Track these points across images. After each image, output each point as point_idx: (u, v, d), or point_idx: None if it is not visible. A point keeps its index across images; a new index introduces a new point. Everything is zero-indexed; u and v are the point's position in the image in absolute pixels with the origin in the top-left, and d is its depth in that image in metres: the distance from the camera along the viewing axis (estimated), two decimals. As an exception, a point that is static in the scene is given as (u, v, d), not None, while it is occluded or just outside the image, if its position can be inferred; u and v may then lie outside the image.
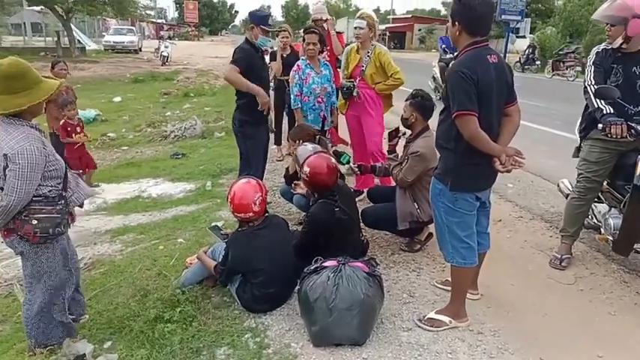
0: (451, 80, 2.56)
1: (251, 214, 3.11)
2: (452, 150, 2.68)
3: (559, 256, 3.76)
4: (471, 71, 2.48)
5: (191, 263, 3.50)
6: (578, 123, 3.91)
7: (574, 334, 2.94)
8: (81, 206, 2.81)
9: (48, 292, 2.65)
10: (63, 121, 4.70)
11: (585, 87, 3.49)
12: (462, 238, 2.77)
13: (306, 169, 3.42)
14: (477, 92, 2.49)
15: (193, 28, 58.25)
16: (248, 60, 4.16)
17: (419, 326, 2.94)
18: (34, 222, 2.44)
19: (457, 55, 2.71)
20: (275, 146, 6.78)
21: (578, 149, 3.79)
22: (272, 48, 6.29)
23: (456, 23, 2.60)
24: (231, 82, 4.25)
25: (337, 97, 5.19)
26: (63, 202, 2.57)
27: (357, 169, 4.17)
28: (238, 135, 4.49)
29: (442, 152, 2.81)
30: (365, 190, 4.85)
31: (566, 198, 3.98)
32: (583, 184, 3.66)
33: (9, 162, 2.33)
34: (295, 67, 4.93)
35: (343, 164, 4.16)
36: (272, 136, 5.53)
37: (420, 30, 54.37)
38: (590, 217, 3.99)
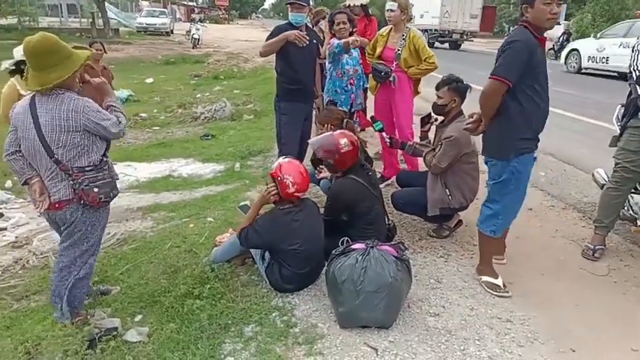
0: None
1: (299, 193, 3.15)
2: None
3: (592, 247, 3.67)
4: None
5: (220, 242, 3.55)
6: (617, 111, 3.78)
7: (606, 326, 2.88)
8: None
9: (88, 260, 2.72)
10: None
11: (630, 72, 3.36)
12: None
13: (345, 140, 3.33)
14: None
15: (224, 12, 58.29)
16: (278, 32, 4.30)
17: None
18: (96, 190, 2.54)
19: None
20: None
21: (617, 138, 3.66)
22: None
23: None
24: (264, 53, 4.44)
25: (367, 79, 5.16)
26: (107, 166, 2.65)
27: (388, 140, 4.17)
28: (275, 109, 4.65)
29: None
30: (391, 178, 4.86)
31: (601, 188, 3.87)
32: (620, 173, 3.55)
33: (83, 114, 2.46)
34: (329, 44, 4.91)
35: (376, 131, 4.25)
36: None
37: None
38: (626, 208, 3.88)
